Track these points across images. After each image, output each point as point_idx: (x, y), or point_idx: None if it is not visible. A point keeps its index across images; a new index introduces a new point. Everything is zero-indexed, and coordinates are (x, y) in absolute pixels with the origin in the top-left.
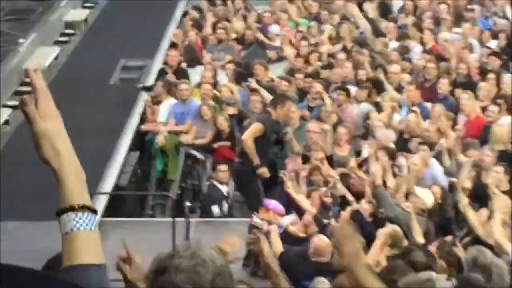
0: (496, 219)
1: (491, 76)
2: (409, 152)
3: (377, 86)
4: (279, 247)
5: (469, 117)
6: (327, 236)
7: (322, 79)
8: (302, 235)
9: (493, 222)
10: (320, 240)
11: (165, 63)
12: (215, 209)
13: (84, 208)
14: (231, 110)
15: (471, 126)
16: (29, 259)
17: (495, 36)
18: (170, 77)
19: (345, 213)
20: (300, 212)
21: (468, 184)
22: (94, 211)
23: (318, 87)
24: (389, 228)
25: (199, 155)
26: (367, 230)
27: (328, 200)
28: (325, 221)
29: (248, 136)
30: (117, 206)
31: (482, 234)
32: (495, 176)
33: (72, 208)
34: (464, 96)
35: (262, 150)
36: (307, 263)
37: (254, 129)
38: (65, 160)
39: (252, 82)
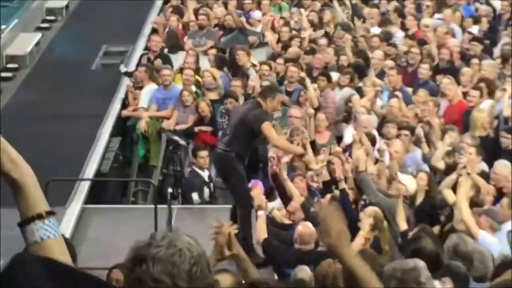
0: (464, 199)
1: (475, 61)
2: (383, 138)
3: (359, 72)
4: (263, 233)
5: (451, 102)
6: (313, 223)
7: (302, 64)
8: (287, 221)
9: (462, 203)
10: (305, 227)
11: (147, 48)
12: (194, 196)
13: (49, 214)
14: (213, 96)
15: (453, 111)
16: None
17: (476, 21)
18: (154, 62)
19: (325, 200)
20: (285, 198)
21: (442, 165)
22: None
23: (294, 71)
24: (371, 213)
25: (181, 141)
26: (350, 214)
27: (315, 185)
28: (312, 209)
29: (275, 139)
30: (99, 192)
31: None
32: (468, 158)
33: (39, 216)
34: (446, 81)
35: (252, 141)
36: (290, 251)
37: (270, 130)
38: (23, 168)
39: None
